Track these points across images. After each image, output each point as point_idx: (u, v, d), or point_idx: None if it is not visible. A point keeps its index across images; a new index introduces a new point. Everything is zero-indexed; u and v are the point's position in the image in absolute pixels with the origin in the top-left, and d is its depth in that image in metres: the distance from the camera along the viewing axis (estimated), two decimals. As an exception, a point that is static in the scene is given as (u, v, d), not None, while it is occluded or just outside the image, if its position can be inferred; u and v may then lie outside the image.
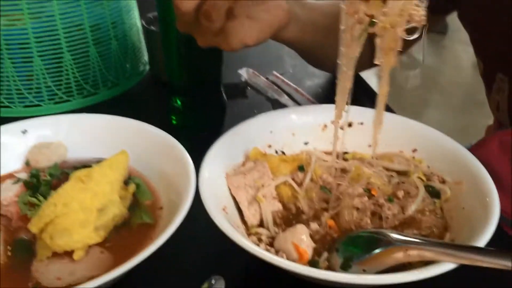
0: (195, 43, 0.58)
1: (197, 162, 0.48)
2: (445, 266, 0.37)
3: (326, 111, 0.57)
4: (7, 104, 0.67)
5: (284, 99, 0.73)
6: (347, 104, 0.45)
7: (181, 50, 0.59)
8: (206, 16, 0.43)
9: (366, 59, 0.46)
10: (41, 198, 0.44)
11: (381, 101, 0.43)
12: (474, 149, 0.57)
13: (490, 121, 0.85)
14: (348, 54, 0.42)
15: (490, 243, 0.40)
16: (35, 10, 0.64)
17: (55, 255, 0.41)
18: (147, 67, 0.81)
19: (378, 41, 0.38)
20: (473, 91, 2.57)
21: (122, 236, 0.44)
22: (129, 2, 0.75)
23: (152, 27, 0.73)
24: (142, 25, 0.76)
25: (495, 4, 0.61)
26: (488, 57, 0.63)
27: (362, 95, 0.74)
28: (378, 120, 0.44)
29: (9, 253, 0.41)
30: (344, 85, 0.44)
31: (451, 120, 0.61)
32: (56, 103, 0.69)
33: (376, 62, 0.39)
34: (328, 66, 0.74)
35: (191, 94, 0.64)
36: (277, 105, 0.73)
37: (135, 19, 0.77)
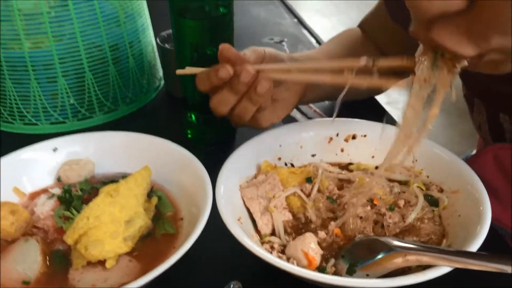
0: (209, 62, 0.63)
1: (212, 173, 0.53)
2: (441, 269, 0.41)
3: (331, 125, 0.61)
4: (35, 122, 0.72)
5: (292, 112, 0.78)
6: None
7: (195, 69, 0.64)
8: (238, 116, 0.53)
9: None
10: (74, 212, 0.48)
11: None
12: (470, 162, 0.61)
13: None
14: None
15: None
16: (58, 33, 0.68)
17: (89, 264, 0.45)
18: (162, 82, 0.86)
19: None
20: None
21: (147, 245, 0.49)
22: (144, 22, 0.79)
23: (166, 45, 0.77)
24: (157, 43, 0.80)
25: None
26: (467, 82, 0.66)
27: (368, 109, 0.78)
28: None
29: (48, 263, 0.46)
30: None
31: (453, 125, 0.64)
32: (79, 119, 0.74)
33: None
34: (358, 96, 0.78)
35: (205, 110, 0.68)
36: (285, 117, 0.77)
37: (150, 38, 0.82)
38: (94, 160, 0.57)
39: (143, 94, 0.80)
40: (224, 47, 0.53)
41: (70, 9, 0.68)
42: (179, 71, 0.57)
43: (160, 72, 0.86)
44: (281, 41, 1.04)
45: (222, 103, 0.55)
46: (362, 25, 0.79)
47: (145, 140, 0.58)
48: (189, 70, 0.57)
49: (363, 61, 0.43)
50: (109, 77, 0.74)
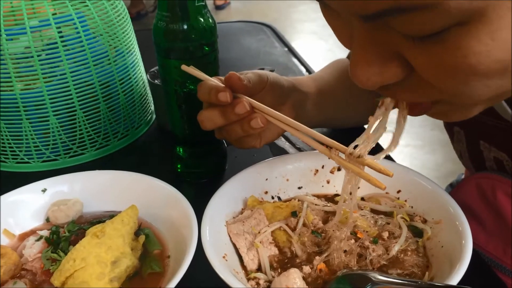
0: (194, 99, 0.64)
1: (201, 207, 0.53)
2: (421, 304, 0.41)
3: (316, 157, 0.62)
4: (27, 160, 0.74)
5: (281, 141, 0.79)
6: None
7: (182, 106, 0.65)
8: (224, 134, 0.58)
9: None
10: (61, 253, 0.49)
11: None
12: (455, 190, 0.62)
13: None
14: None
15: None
16: (48, 74, 0.70)
17: (76, 306, 0.46)
18: (154, 116, 0.87)
19: None
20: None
21: (134, 285, 0.49)
22: (135, 59, 0.81)
23: (156, 81, 0.79)
24: (147, 79, 0.82)
25: None
26: None
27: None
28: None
29: (35, 306, 0.47)
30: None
31: (450, 143, 0.66)
32: (71, 156, 0.75)
33: None
34: (345, 126, 0.81)
35: (193, 145, 0.69)
36: (274, 147, 0.78)
37: (141, 74, 0.83)
38: (82, 200, 0.58)
39: (134, 129, 0.82)
40: (232, 76, 0.55)
41: (60, 50, 0.70)
42: (184, 67, 0.58)
43: (152, 106, 0.87)
44: (271, 71, 1.05)
45: (210, 121, 0.57)
46: (349, 56, 0.80)
47: (132, 178, 0.59)
48: (192, 69, 0.58)
49: (350, 150, 0.46)
50: (100, 114, 0.76)
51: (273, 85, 0.61)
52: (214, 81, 0.56)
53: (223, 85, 0.55)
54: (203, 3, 0.60)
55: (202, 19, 0.60)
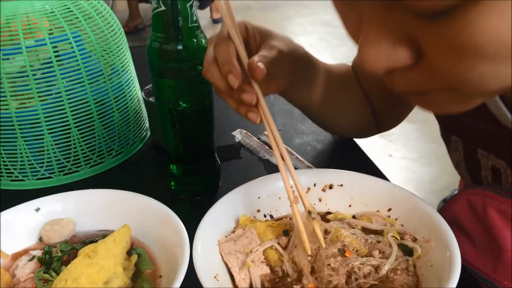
0: (188, 118, 0.65)
1: (194, 224, 0.53)
2: (410, 325, 0.41)
3: (308, 175, 0.62)
4: (21, 178, 0.74)
5: (275, 159, 0.79)
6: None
7: (175, 125, 0.66)
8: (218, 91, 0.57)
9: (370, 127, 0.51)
10: (53, 274, 0.49)
11: None
12: (447, 206, 0.62)
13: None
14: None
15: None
16: (44, 92, 0.71)
17: (67, 327, 0.46)
18: (149, 133, 0.88)
19: None
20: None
21: (125, 305, 0.49)
22: (130, 76, 0.82)
23: (151, 99, 0.79)
24: (142, 97, 0.83)
25: None
26: (442, 119, 0.67)
27: (352, 158, 0.80)
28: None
29: (26, 327, 0.47)
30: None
31: (446, 155, 0.66)
32: (65, 174, 0.75)
33: None
34: (337, 130, 0.82)
35: (187, 162, 0.70)
36: (268, 165, 0.79)
37: (136, 91, 0.84)
38: (76, 219, 0.58)
39: (129, 146, 0.82)
40: (258, 70, 0.51)
41: (56, 69, 0.70)
42: (217, 3, 0.53)
43: (146, 123, 0.88)
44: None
45: (213, 78, 0.54)
46: (353, 67, 0.80)
47: (125, 196, 0.59)
48: (223, 8, 0.53)
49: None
50: (95, 132, 0.76)
51: (290, 64, 0.60)
52: (236, 39, 0.53)
53: (237, 65, 0.52)
54: (197, 24, 0.61)
55: (195, 40, 0.61)
